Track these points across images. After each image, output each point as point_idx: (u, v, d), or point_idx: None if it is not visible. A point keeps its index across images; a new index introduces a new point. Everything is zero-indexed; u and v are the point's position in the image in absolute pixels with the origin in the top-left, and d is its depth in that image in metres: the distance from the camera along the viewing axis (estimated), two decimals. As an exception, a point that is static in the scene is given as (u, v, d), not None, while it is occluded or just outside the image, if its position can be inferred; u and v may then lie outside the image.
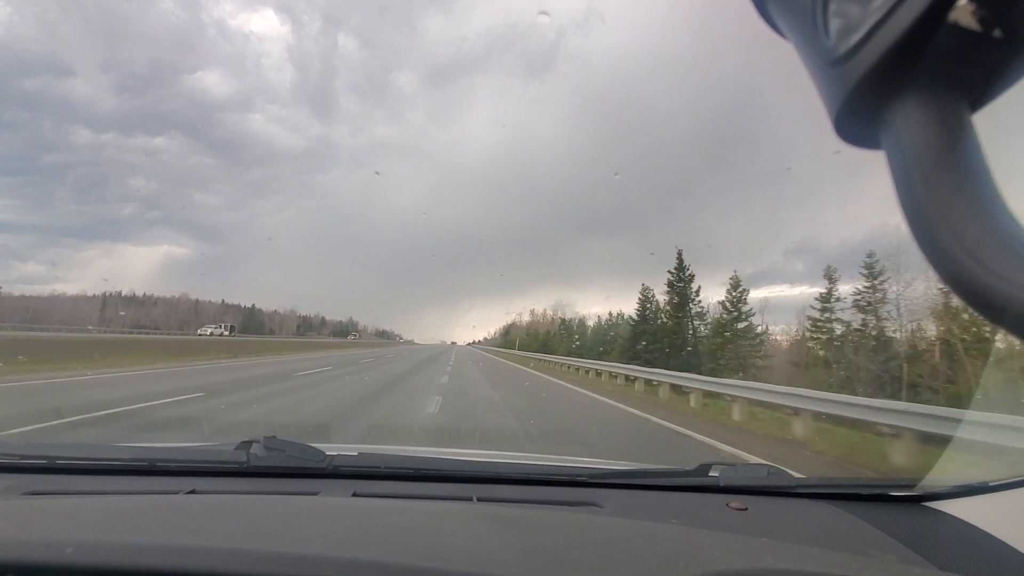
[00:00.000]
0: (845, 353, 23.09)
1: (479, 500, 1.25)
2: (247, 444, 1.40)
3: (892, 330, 23.09)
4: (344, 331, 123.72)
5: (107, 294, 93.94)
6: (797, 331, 30.50)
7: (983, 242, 0.24)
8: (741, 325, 29.39)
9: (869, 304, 23.90)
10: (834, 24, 0.27)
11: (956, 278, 0.24)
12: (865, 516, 1.20)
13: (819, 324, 26.38)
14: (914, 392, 18.26)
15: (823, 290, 26.31)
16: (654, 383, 14.10)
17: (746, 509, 1.25)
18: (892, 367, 20.60)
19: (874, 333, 23.02)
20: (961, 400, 15.15)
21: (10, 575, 0.63)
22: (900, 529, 1.13)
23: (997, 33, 0.24)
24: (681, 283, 31.30)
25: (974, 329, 17.04)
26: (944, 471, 1.91)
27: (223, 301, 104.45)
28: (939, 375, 18.84)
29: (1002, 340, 7.86)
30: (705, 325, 31.02)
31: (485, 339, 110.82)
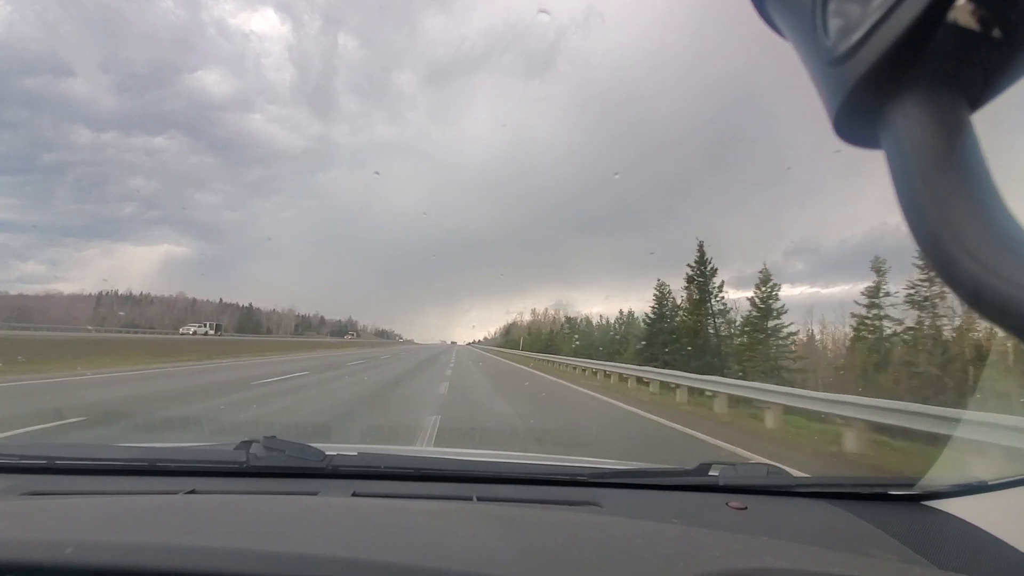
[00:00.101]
0: (900, 354, 20.34)
1: (479, 500, 1.25)
2: (247, 444, 1.40)
3: (951, 328, 19.89)
4: (343, 331, 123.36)
5: (103, 293, 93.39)
6: (822, 331, 28.04)
7: (983, 242, 0.24)
8: (771, 323, 26.39)
9: (925, 299, 20.59)
10: (833, 24, 0.27)
11: (956, 278, 0.24)
12: (865, 515, 1.20)
13: (866, 322, 22.90)
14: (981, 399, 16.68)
15: (870, 284, 23.00)
16: (708, 393, 11.01)
17: (746, 508, 1.25)
18: (952, 370, 17.95)
19: (931, 332, 20.00)
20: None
21: (10, 575, 0.63)
22: (900, 528, 1.13)
23: (996, 33, 0.24)
24: (702, 277, 28.42)
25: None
26: (943, 470, 1.91)
27: (220, 300, 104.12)
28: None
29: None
30: (728, 323, 28.27)
31: (485, 339, 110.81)
